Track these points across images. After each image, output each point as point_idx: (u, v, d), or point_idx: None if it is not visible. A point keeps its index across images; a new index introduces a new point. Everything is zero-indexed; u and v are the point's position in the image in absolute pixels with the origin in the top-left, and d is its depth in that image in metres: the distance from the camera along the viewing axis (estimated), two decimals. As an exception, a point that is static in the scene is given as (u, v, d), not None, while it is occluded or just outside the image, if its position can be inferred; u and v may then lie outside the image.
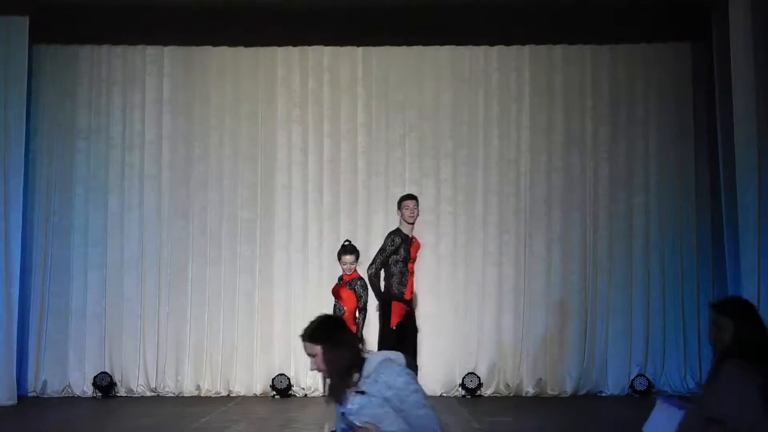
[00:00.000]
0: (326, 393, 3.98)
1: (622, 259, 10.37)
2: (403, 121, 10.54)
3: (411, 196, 8.45)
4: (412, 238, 8.28)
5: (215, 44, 10.52)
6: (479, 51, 10.59)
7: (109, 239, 10.31)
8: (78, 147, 10.41)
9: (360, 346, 7.88)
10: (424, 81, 10.56)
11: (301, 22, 10.26)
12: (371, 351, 4.12)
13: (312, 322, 3.99)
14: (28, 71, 9.85)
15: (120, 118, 10.49)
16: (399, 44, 10.52)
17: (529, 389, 10.14)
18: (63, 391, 10.11)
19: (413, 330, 8.39)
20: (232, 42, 10.50)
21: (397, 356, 4.00)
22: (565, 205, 10.44)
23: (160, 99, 10.51)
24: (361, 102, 10.54)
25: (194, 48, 10.55)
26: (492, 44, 10.57)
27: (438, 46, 10.56)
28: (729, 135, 9.25)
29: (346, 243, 8.39)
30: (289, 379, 10.03)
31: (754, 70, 9.00)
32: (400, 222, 8.32)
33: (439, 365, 10.16)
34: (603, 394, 10.14)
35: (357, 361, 3.91)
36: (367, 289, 8.18)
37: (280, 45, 10.53)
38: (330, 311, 8.18)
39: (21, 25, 9.73)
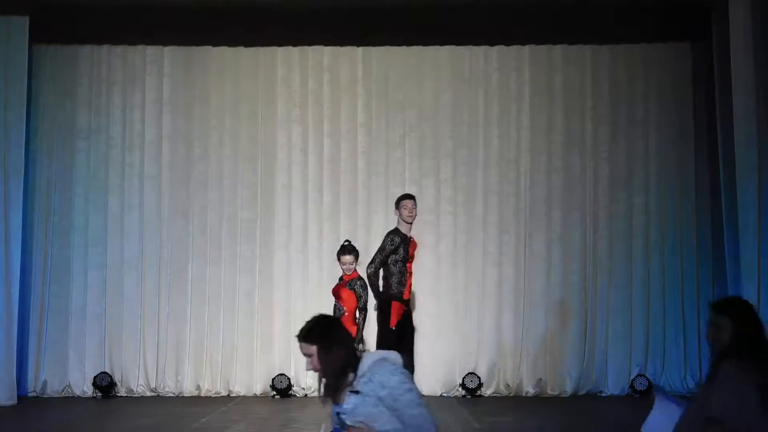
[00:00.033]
0: (321, 393, 3.98)
1: (622, 259, 10.37)
2: (403, 121, 10.54)
3: (409, 196, 8.45)
4: (410, 237, 8.29)
5: (215, 44, 10.53)
6: (479, 51, 10.59)
7: (109, 239, 10.31)
8: (78, 147, 10.41)
9: (359, 345, 7.89)
10: (424, 81, 10.56)
11: (301, 22, 10.26)
12: (368, 351, 4.12)
13: (307, 322, 4.00)
14: (28, 71, 9.85)
15: (120, 118, 10.49)
16: (399, 44, 10.53)
17: (529, 389, 10.15)
18: (63, 391, 10.11)
19: (411, 330, 8.41)
20: (232, 42, 10.50)
21: (393, 356, 4.00)
22: (565, 205, 10.44)
23: (160, 99, 10.51)
24: (361, 102, 10.54)
25: (194, 48, 10.55)
26: (492, 44, 10.57)
27: (438, 46, 10.56)
28: (729, 135, 9.25)
29: (346, 243, 8.39)
30: (289, 379, 10.03)
31: (754, 70, 9.00)
32: (398, 222, 8.32)
33: (439, 365, 10.17)
34: (603, 394, 10.14)
35: (352, 360, 3.92)
36: (367, 288, 8.18)
37: (280, 45, 10.53)
38: (330, 311, 8.18)
39: (21, 25, 9.73)
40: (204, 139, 10.52)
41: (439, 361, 10.17)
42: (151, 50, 10.53)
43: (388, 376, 3.80)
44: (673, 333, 10.24)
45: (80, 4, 10.03)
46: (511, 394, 10.10)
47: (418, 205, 10.10)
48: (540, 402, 9.79)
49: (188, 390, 10.16)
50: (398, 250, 8.18)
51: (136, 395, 10.09)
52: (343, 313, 8.13)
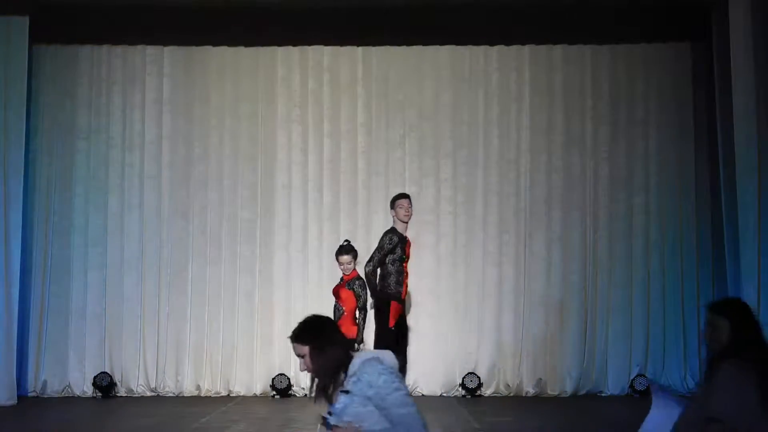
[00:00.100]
0: (313, 393, 4.00)
1: (622, 259, 10.37)
2: (403, 121, 10.54)
3: (405, 195, 8.50)
4: (406, 237, 8.31)
5: (215, 44, 10.53)
6: (479, 51, 10.59)
7: (109, 239, 10.31)
8: (78, 147, 10.41)
9: (359, 345, 7.89)
10: (424, 81, 10.56)
11: (301, 22, 10.26)
12: (362, 350, 4.14)
13: (300, 323, 4.03)
14: (28, 71, 9.85)
15: (120, 118, 10.50)
16: (399, 44, 10.53)
17: (529, 389, 10.14)
18: (63, 391, 10.11)
19: (406, 329, 8.45)
20: (232, 42, 10.50)
21: (387, 356, 4.00)
22: (565, 205, 10.44)
23: (160, 99, 10.51)
24: (361, 102, 10.54)
25: (194, 48, 10.55)
26: (492, 44, 10.57)
27: (438, 46, 10.56)
28: (729, 135, 9.25)
29: (344, 243, 8.41)
30: (289, 379, 10.03)
31: (754, 70, 9.00)
32: (394, 221, 8.34)
33: (439, 365, 10.17)
34: (603, 394, 10.14)
35: (345, 360, 3.93)
36: (366, 288, 8.19)
37: (280, 45, 10.53)
38: (330, 311, 8.19)
39: (21, 25, 9.73)
40: (204, 139, 10.52)
41: (439, 361, 10.17)
42: (151, 50, 10.53)
43: (376, 376, 3.82)
44: (673, 333, 10.24)
45: (80, 4, 10.03)
46: (511, 394, 10.10)
47: (418, 205, 10.16)
48: (540, 402, 9.79)
49: (188, 390, 10.16)
50: (396, 249, 8.19)
51: (136, 395, 10.09)
52: (343, 313, 8.14)
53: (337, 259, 8.30)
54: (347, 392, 3.85)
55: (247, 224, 10.41)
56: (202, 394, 10.12)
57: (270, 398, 9.98)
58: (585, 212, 10.45)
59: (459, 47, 10.57)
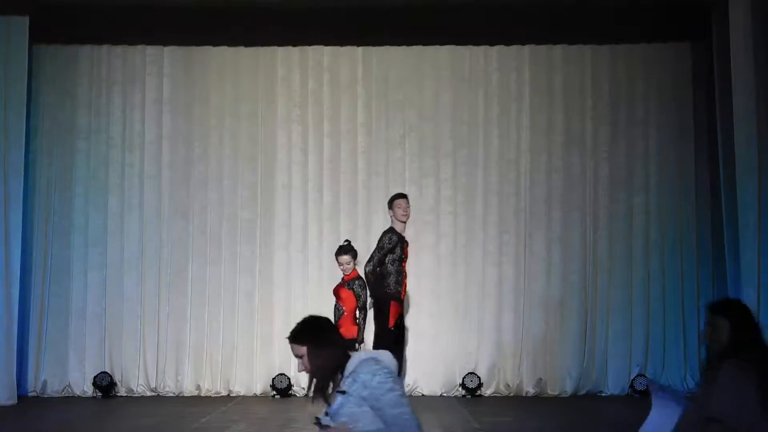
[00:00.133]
0: (311, 393, 4.00)
1: (622, 259, 10.37)
2: (403, 121, 10.54)
3: (402, 195, 8.53)
4: (405, 237, 8.33)
5: (215, 44, 10.53)
6: (479, 51, 10.59)
7: (109, 239, 10.31)
8: (78, 147, 10.41)
9: (360, 345, 7.89)
10: (424, 81, 10.56)
11: (301, 22, 10.26)
12: (361, 350, 4.15)
13: (297, 324, 4.04)
14: (28, 71, 9.85)
15: (120, 118, 10.49)
16: (399, 44, 10.53)
17: (529, 389, 10.14)
18: (63, 391, 10.11)
19: (403, 329, 8.48)
20: (232, 42, 10.50)
21: (384, 356, 4.01)
22: (565, 205, 10.44)
23: (160, 99, 10.51)
24: (361, 102, 10.54)
25: (194, 48, 10.55)
26: (492, 44, 10.57)
27: (438, 46, 10.56)
28: (729, 135, 9.24)
29: (344, 243, 8.42)
30: (289, 379, 10.03)
31: (754, 70, 8.99)
32: (392, 221, 8.36)
33: (439, 365, 10.17)
34: (603, 394, 10.14)
35: (343, 360, 3.94)
36: (366, 288, 8.20)
37: (280, 45, 10.53)
38: (330, 311, 8.20)
39: (21, 25, 9.73)
40: (204, 139, 10.52)
41: (439, 361, 10.17)
42: (151, 50, 10.53)
43: (371, 377, 3.83)
44: (673, 333, 10.24)
45: (80, 4, 10.03)
46: (511, 394, 10.10)
47: (418, 205, 10.18)
48: (540, 402, 9.79)
49: (188, 390, 10.16)
50: (395, 249, 8.20)
51: (136, 395, 10.09)
52: (343, 313, 8.14)
53: (337, 259, 8.32)
54: (343, 392, 3.87)
55: (247, 224, 10.41)
56: (202, 394, 10.12)
57: (270, 398, 9.98)
58: (585, 212, 10.45)
59: (459, 47, 10.57)
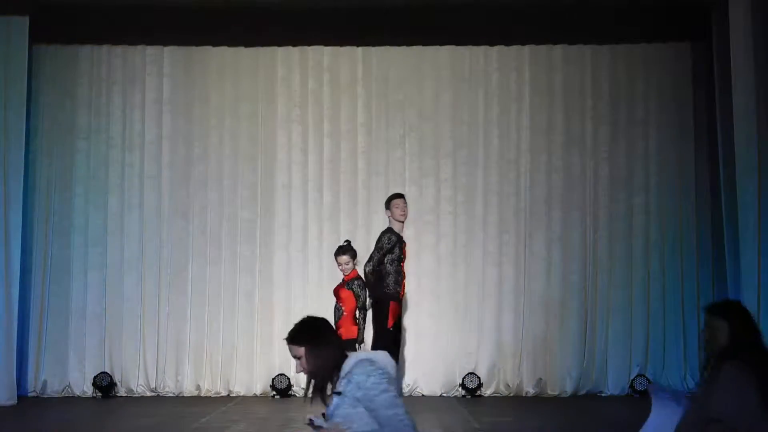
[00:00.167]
0: (308, 394, 4.01)
1: (622, 259, 10.37)
2: (403, 121, 10.54)
3: (399, 195, 8.56)
4: (403, 237, 8.35)
5: (215, 44, 10.53)
6: (479, 51, 10.59)
7: (109, 239, 10.31)
8: (78, 147, 10.41)
9: (360, 345, 7.89)
10: (424, 81, 10.56)
11: (301, 22, 10.26)
12: (361, 351, 4.16)
13: (295, 325, 4.05)
14: (28, 71, 9.84)
15: (120, 118, 10.49)
16: (399, 44, 10.53)
17: (529, 389, 10.14)
18: (63, 391, 10.11)
19: (401, 330, 8.49)
20: (232, 42, 10.50)
21: (380, 356, 4.02)
22: (565, 205, 10.44)
23: (160, 99, 10.51)
24: (361, 102, 10.54)
25: (194, 48, 10.55)
26: (492, 44, 10.57)
27: (438, 46, 10.56)
28: (729, 135, 9.24)
29: (344, 243, 8.42)
30: (289, 379, 10.02)
31: (754, 70, 8.99)
32: (390, 221, 8.38)
33: (439, 365, 10.17)
34: (603, 394, 10.14)
35: (341, 361, 3.95)
36: (365, 288, 8.20)
37: (280, 45, 10.53)
38: (330, 311, 8.20)
39: (21, 25, 9.73)
40: (204, 139, 10.52)
41: (439, 361, 10.17)
42: (151, 50, 10.53)
43: (365, 378, 3.84)
44: (673, 333, 10.24)
45: (80, 4, 10.02)
46: (511, 394, 10.10)
47: (418, 205, 10.19)
48: (540, 402, 9.79)
49: (188, 390, 10.16)
50: (394, 249, 8.21)
51: (136, 395, 10.09)
52: (343, 314, 8.15)
53: (336, 260, 8.33)
54: (339, 393, 3.88)
55: (247, 224, 10.41)
56: (202, 394, 10.12)
57: (270, 398, 9.98)
58: (585, 212, 10.45)
59: (459, 47, 10.57)
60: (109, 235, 10.32)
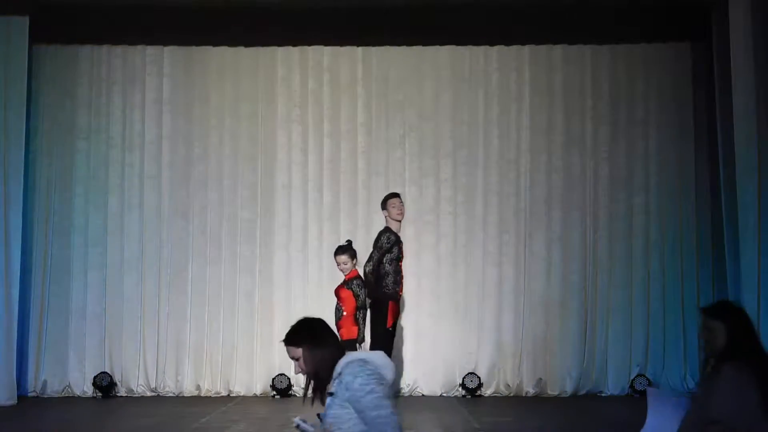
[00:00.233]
0: (307, 395, 4.02)
1: (622, 259, 10.37)
2: (403, 121, 10.54)
3: (395, 195, 8.59)
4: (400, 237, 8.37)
5: (215, 44, 10.53)
6: (479, 51, 10.59)
7: (109, 239, 10.31)
8: (78, 147, 10.41)
9: (360, 345, 7.90)
10: (424, 81, 10.56)
11: (301, 22, 10.26)
12: (360, 350, 4.18)
13: (292, 326, 4.06)
14: (28, 71, 9.84)
15: (120, 118, 10.49)
16: (399, 44, 10.52)
17: (529, 389, 10.14)
18: (63, 391, 10.11)
19: (396, 329, 8.52)
20: (232, 42, 10.50)
21: (375, 356, 4.02)
22: (565, 205, 10.44)
23: (160, 99, 10.51)
24: (361, 102, 10.54)
25: (194, 48, 10.55)
26: (492, 44, 10.57)
27: (438, 46, 10.56)
28: (729, 135, 9.24)
29: (345, 243, 8.42)
30: (289, 379, 10.02)
31: (754, 70, 8.99)
32: (387, 221, 8.39)
33: (439, 365, 10.17)
34: (603, 394, 10.14)
35: (339, 361, 3.96)
36: (364, 287, 8.21)
37: (280, 45, 10.53)
38: (331, 311, 8.21)
39: (21, 25, 9.72)
40: (204, 139, 10.52)
41: (439, 361, 10.17)
42: (151, 50, 10.53)
43: (352, 379, 3.84)
44: (673, 333, 10.23)
45: (80, 4, 10.02)
46: (511, 394, 10.10)
47: (418, 205, 10.20)
48: (540, 402, 9.79)
49: (188, 390, 10.16)
50: (393, 248, 8.22)
51: (136, 395, 10.09)
52: (343, 314, 8.15)
53: (335, 259, 8.34)
54: (331, 394, 3.90)
55: (247, 224, 10.41)
56: (202, 394, 10.12)
57: (270, 398, 9.98)
58: (585, 212, 10.45)
59: (459, 47, 10.56)
60: (109, 235, 10.31)
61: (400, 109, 10.54)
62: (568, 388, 10.11)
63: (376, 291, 8.20)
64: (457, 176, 10.47)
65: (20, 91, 9.74)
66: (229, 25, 10.30)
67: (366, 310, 8.25)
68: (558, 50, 10.57)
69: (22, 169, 9.74)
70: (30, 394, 10.00)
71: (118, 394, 10.11)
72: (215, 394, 10.14)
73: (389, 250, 8.18)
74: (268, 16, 10.20)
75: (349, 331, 8.04)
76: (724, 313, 4.37)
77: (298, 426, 3.93)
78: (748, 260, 8.83)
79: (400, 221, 8.42)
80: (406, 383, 10.07)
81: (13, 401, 9.40)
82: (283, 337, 4.06)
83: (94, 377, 10.07)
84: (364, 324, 8.22)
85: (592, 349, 10.23)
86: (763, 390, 4.08)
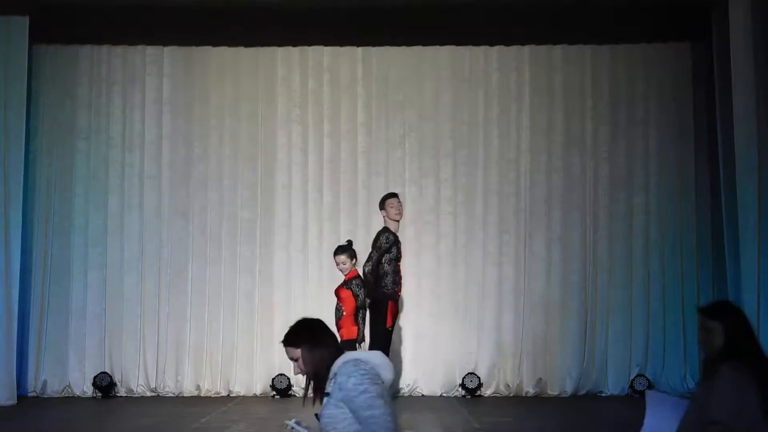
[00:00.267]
0: (307, 395, 4.02)
1: (622, 259, 10.37)
2: (402, 121, 10.54)
3: (394, 195, 8.60)
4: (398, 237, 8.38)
5: (215, 44, 10.53)
6: (479, 51, 10.59)
7: (109, 239, 10.31)
8: (78, 147, 10.41)
9: (360, 345, 7.90)
10: (424, 81, 10.56)
11: (301, 22, 10.26)
12: (360, 350, 4.19)
13: (291, 327, 4.06)
14: (28, 71, 9.84)
15: (120, 118, 10.49)
16: (399, 44, 10.52)
17: (529, 389, 10.14)
18: (63, 391, 10.11)
19: (393, 329, 8.54)
20: (232, 42, 10.50)
21: (372, 356, 4.02)
22: (565, 205, 10.44)
23: (160, 99, 10.51)
24: (361, 102, 10.54)
25: (194, 48, 10.55)
26: (492, 44, 10.57)
27: (438, 46, 10.56)
28: (729, 135, 9.24)
29: (345, 243, 8.43)
30: (289, 379, 10.02)
31: (754, 70, 8.99)
32: (386, 221, 8.39)
33: (439, 365, 10.17)
34: (603, 394, 10.14)
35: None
36: (363, 287, 8.21)
37: (280, 45, 10.53)
38: (331, 311, 8.21)
39: (21, 25, 9.73)
40: (204, 139, 10.52)
41: (439, 361, 10.17)
42: (151, 50, 10.53)
43: (346, 379, 3.85)
44: (673, 333, 10.23)
45: (80, 4, 10.02)
46: (511, 394, 10.10)
47: (418, 205, 10.20)
48: (540, 402, 9.79)
49: (188, 390, 10.16)
50: (392, 248, 8.22)
51: (136, 395, 10.09)
52: (343, 314, 8.15)
53: (334, 259, 8.34)
54: (327, 394, 3.90)
55: (247, 224, 10.41)
56: (202, 394, 10.12)
57: (270, 398, 9.98)
58: (585, 212, 10.45)
59: (459, 47, 10.57)
60: (109, 235, 10.32)
61: (400, 109, 10.54)
62: (568, 388, 10.11)
63: (375, 291, 8.20)
64: (457, 176, 10.47)
65: (20, 91, 9.74)
66: (229, 25, 10.30)
67: (365, 309, 8.25)
68: (558, 50, 10.57)
69: (22, 169, 9.74)
70: (30, 394, 10.01)
71: (118, 394, 10.11)
72: (215, 394, 10.14)
73: (388, 250, 8.19)
74: (268, 16, 10.20)
75: (349, 331, 8.04)
76: (722, 314, 4.36)
77: (291, 429, 3.93)
78: (748, 260, 8.83)
79: (398, 221, 8.43)
80: (406, 383, 10.07)
81: (13, 401, 9.40)
82: (282, 338, 4.06)
83: (94, 377, 10.07)
84: (364, 324, 8.22)
85: (592, 349, 10.23)
86: (763, 391, 4.08)
